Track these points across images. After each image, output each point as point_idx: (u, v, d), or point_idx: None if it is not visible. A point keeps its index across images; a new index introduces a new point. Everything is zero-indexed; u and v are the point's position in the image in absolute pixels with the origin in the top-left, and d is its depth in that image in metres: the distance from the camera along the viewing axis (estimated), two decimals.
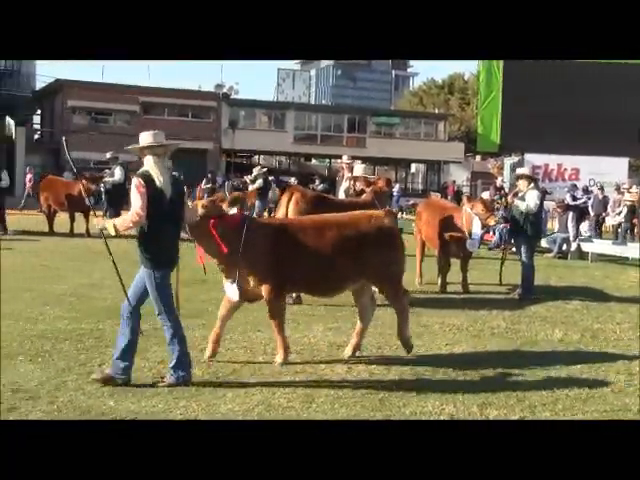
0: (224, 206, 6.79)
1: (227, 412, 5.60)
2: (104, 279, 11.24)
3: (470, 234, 11.36)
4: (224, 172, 43.74)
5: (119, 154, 20.89)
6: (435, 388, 6.39)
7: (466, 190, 42.62)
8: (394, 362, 7.28)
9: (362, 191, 11.76)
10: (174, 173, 6.47)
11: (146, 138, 6.20)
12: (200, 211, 6.67)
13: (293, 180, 31.16)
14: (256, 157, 55.08)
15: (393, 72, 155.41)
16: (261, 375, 6.64)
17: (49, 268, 12.47)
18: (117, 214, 19.06)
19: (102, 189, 19.33)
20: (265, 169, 24.15)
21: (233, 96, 51.87)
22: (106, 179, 19.37)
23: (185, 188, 6.80)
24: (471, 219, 11.33)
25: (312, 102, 55.03)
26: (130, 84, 47.75)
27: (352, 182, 12.32)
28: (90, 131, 45.33)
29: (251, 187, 21.40)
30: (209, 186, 29.41)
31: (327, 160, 57.62)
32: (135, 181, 6.08)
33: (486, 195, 23.05)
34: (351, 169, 13.53)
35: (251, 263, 6.74)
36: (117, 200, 19.31)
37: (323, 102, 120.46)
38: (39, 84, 47.59)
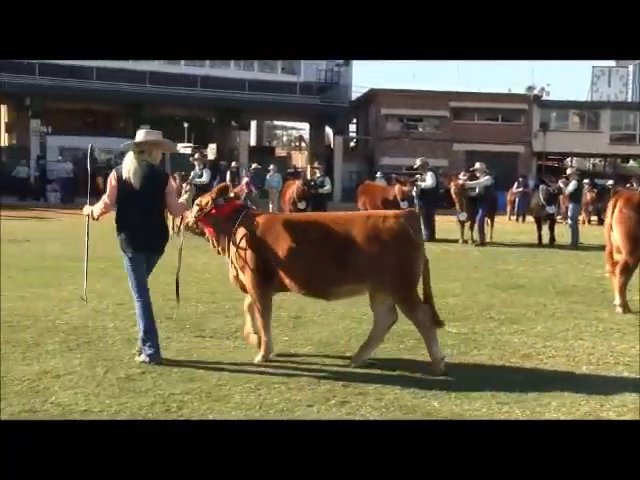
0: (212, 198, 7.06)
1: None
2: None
3: None
4: (535, 175, 42.74)
5: (429, 159, 21.26)
6: None
7: None
8: None
9: None
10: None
11: (138, 136, 6.88)
12: (196, 209, 7.08)
13: (610, 183, 29.76)
14: (568, 159, 53.27)
15: None
16: (586, 385, 6.38)
17: None
18: (430, 219, 19.42)
19: (414, 193, 19.75)
20: (578, 171, 23.24)
21: (544, 98, 50.54)
22: (418, 184, 19.76)
23: (171, 182, 7.14)
24: None
25: (629, 100, 51.94)
26: (440, 90, 48.36)
27: None
28: (402, 137, 46.59)
29: (566, 191, 20.63)
30: (521, 190, 28.88)
31: None
32: (110, 173, 6.89)
33: None
34: None
35: (239, 254, 6.80)
36: (431, 203, 19.64)
37: None
38: (355, 94, 49.63)
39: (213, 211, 7.02)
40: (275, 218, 7.11)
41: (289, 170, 46.52)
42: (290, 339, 7.72)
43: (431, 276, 6.73)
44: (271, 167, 31.45)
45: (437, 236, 19.28)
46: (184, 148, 51.11)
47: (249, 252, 6.74)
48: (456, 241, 18.70)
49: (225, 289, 10.08)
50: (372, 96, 47.57)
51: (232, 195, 7.32)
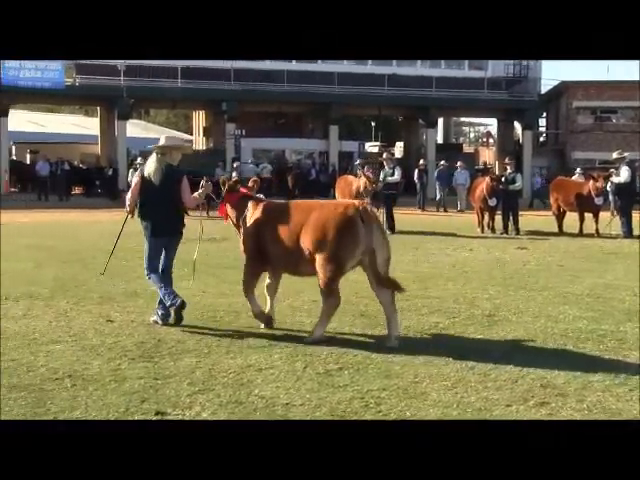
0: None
1: None
2: (618, 280, 11.08)
3: None
4: None
5: (626, 153, 20.37)
6: None
7: None
8: None
9: None
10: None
11: (160, 140, 8.38)
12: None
13: None
14: None
15: None
16: None
17: (565, 268, 12.61)
18: (627, 215, 18.59)
19: (609, 189, 19.08)
20: None
21: None
22: (612, 179, 19.05)
23: (185, 179, 8.33)
24: None
25: None
26: (636, 79, 46.10)
27: None
28: (594, 130, 44.90)
29: None
30: None
31: None
32: (136, 172, 8.30)
33: None
34: None
35: (243, 234, 8.07)
36: (627, 199, 18.84)
37: None
38: (544, 88, 48.21)
39: (224, 201, 8.48)
40: (268, 205, 8.14)
41: (477, 167, 46.00)
42: (485, 337, 7.67)
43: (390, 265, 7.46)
44: (458, 164, 31.27)
45: (636, 232, 18.44)
46: (372, 147, 51.72)
47: (246, 235, 8.00)
48: None
49: (417, 286, 10.15)
50: (563, 89, 46.15)
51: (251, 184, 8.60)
